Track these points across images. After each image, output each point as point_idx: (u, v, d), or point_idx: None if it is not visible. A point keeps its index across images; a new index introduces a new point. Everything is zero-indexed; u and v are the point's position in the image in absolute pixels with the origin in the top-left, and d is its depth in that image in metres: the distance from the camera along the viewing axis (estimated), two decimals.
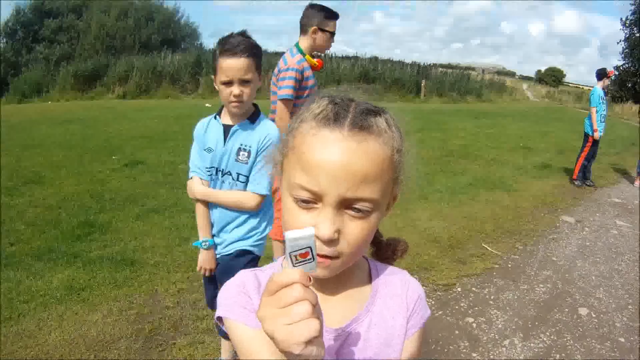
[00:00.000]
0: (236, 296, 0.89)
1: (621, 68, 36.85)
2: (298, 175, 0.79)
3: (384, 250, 1.05)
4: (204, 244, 2.31)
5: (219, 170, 2.23)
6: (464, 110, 19.66)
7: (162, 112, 13.56)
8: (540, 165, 9.15)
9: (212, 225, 2.33)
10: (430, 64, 31.53)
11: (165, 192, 5.96)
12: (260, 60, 2.14)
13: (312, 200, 0.78)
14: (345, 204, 0.79)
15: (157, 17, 29.46)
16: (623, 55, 37.71)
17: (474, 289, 4.00)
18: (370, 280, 0.99)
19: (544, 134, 13.94)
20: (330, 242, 0.78)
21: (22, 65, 22.25)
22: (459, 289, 3.96)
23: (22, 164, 7.08)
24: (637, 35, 36.81)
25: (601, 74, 7.83)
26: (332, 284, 0.91)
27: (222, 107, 2.24)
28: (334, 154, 0.78)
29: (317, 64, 3.54)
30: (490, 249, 4.82)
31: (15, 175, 6.44)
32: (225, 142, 2.20)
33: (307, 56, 3.48)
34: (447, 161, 8.76)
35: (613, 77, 17.20)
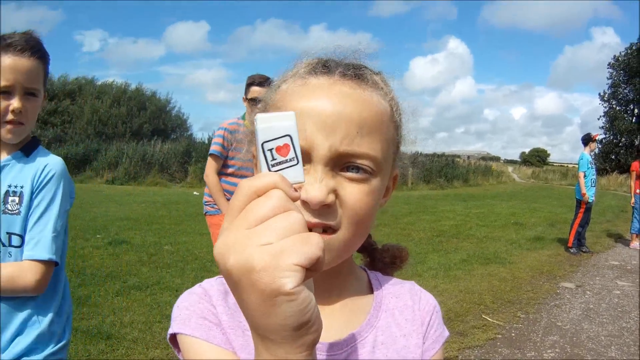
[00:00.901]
0: (195, 305, 0.68)
1: (604, 141, 38.30)
2: None
3: (380, 257, 0.86)
4: None
5: None
6: (452, 194, 19.84)
7: (149, 198, 13.53)
8: (533, 238, 9.07)
9: None
10: (416, 153, 32.35)
11: (148, 270, 5.74)
12: (48, 73, 1.54)
13: None
14: (339, 162, 0.63)
15: (150, 107, 30.48)
16: (604, 129, 39.40)
17: None
18: (371, 291, 0.80)
19: (534, 210, 14.02)
20: (324, 208, 0.61)
21: None
22: None
23: None
24: (617, 108, 38.66)
25: (587, 139, 8.01)
26: (323, 290, 0.70)
27: None
28: (323, 99, 0.64)
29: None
30: (491, 320, 4.58)
31: None
32: None
33: (246, 122, 3.58)
34: (439, 241, 8.61)
35: (597, 151, 17.67)
